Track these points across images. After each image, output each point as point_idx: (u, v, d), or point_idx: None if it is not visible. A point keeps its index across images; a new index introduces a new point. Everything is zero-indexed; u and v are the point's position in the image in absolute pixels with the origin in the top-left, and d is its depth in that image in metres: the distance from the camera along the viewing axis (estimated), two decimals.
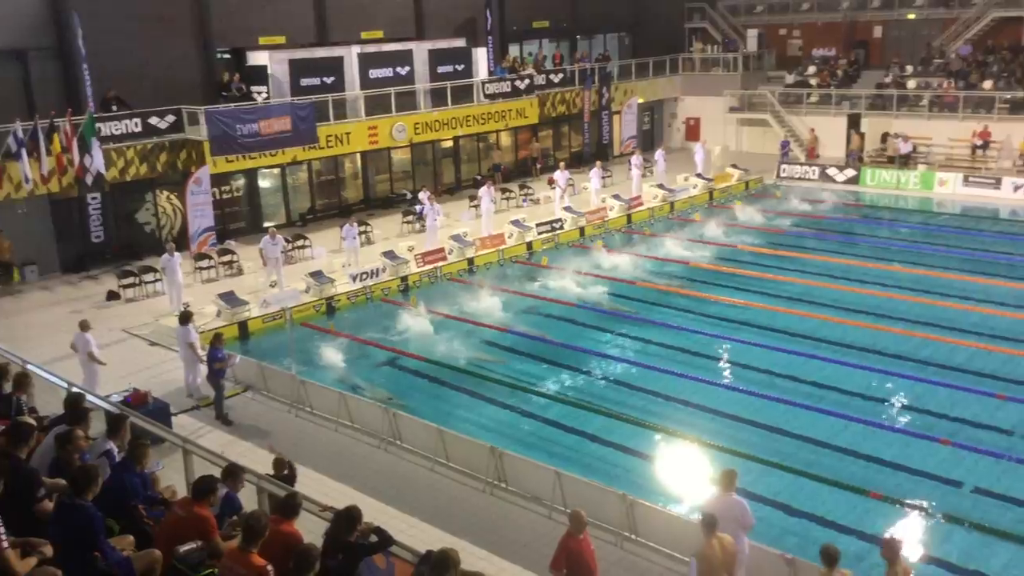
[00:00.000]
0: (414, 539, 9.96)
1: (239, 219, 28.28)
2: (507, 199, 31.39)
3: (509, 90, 34.06)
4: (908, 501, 12.40)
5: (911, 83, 36.49)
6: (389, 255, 23.76)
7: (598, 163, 32.10)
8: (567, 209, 28.70)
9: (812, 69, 40.38)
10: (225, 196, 27.61)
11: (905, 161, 33.61)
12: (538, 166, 35.61)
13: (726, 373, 17.32)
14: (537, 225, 27.16)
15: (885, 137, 35.12)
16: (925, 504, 12.36)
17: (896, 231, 27.27)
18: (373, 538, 7.92)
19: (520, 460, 12.71)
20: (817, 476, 13.09)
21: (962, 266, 23.30)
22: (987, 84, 34.54)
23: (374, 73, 30.95)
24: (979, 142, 33.12)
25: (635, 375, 17.23)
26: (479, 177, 33.06)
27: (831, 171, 34.03)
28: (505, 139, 35.91)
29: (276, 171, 28.96)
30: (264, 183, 29.08)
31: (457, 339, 19.23)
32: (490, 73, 34.46)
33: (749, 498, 10.59)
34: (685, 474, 13.38)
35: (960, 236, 26.55)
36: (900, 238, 26.38)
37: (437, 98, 32.34)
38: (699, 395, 15.97)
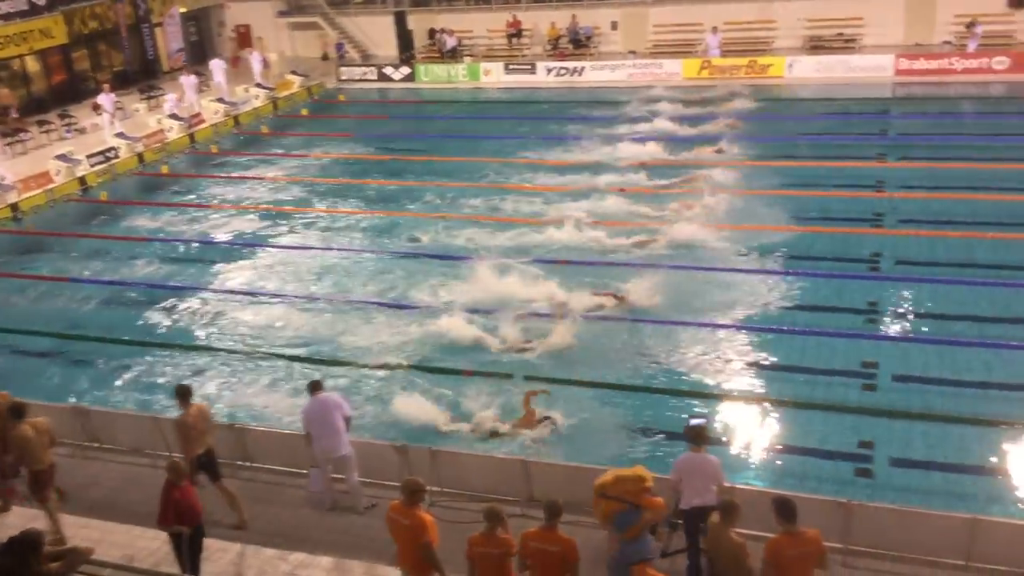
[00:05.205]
0: None
1: None
2: (47, 132, 27.94)
3: (27, 7, 29.83)
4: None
5: None
6: None
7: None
8: (120, 135, 26.37)
9: None
10: None
11: (453, 55, 35.54)
12: (12, 115, 29.41)
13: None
14: (88, 157, 24.71)
15: (432, 33, 36.70)
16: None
17: (453, 123, 28.95)
18: None
19: (110, 414, 11.86)
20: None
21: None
22: None
23: None
24: (513, 31, 35.97)
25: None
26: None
27: (388, 70, 34.96)
28: (32, 64, 31.61)
29: None
30: None
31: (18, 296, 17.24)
32: None
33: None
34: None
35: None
36: (461, 130, 27.94)
37: None
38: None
